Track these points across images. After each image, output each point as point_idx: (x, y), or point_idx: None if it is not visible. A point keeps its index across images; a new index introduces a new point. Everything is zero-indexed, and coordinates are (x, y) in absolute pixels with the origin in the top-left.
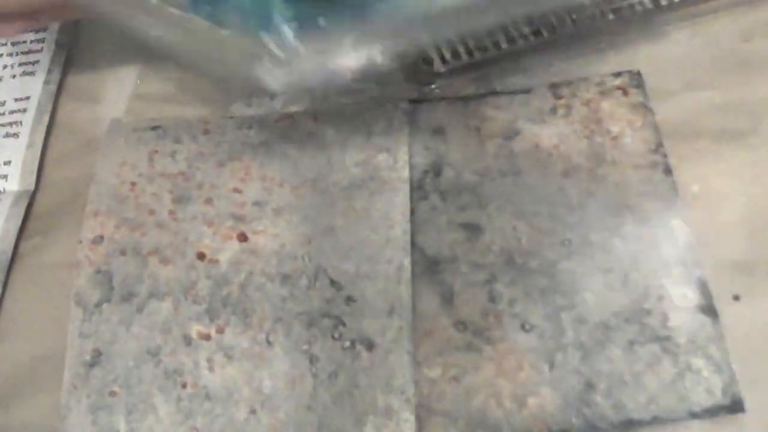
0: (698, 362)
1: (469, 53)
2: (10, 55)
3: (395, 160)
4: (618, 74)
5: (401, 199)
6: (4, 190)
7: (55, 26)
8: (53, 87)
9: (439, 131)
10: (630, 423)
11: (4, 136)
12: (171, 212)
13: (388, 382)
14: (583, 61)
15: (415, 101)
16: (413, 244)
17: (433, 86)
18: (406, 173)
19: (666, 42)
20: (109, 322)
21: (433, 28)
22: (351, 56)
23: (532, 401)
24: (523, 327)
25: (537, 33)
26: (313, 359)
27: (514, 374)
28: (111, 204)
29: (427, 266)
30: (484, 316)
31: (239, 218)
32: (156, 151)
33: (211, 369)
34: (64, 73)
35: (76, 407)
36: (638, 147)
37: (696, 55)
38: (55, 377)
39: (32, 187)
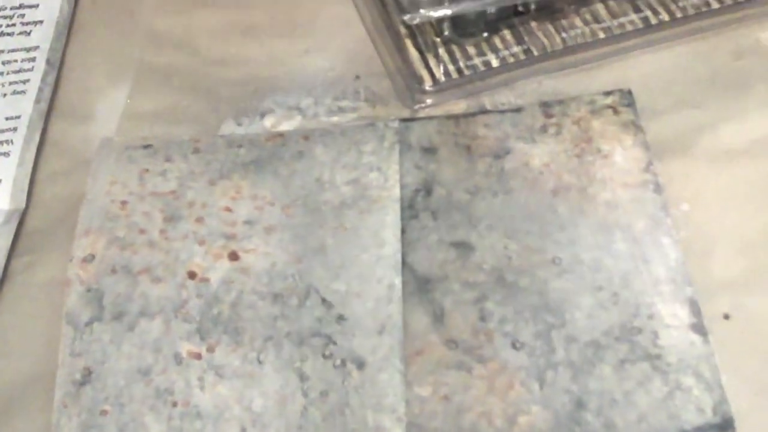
0: (689, 381)
1: (460, 72)
2: (1, 74)
3: (386, 178)
4: (609, 93)
5: (392, 217)
6: None
7: (46, 45)
8: (44, 105)
9: (429, 150)
10: None
11: None
12: (162, 231)
13: (379, 400)
14: (574, 79)
15: (405, 120)
16: (404, 262)
17: (423, 105)
18: (396, 192)
19: (657, 61)
20: (99, 341)
21: None
22: None
23: (522, 420)
24: (513, 345)
25: (528, 51)
26: (303, 378)
27: (504, 392)
28: (102, 223)
29: (418, 285)
30: (474, 335)
31: (230, 237)
32: (147, 170)
33: (201, 388)
34: (55, 92)
35: (67, 426)
36: (629, 166)
37: (687, 74)
38: (46, 396)
39: (23, 205)
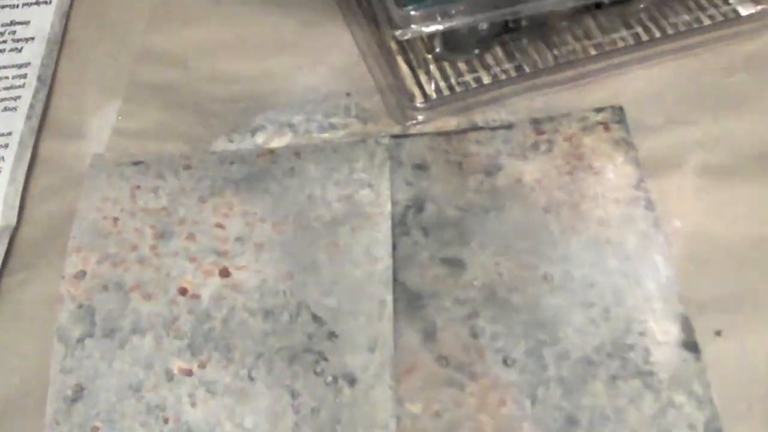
0: (680, 398)
1: (451, 89)
2: None
3: (377, 195)
4: (600, 110)
5: (383, 234)
6: None
7: (37, 62)
8: (35, 122)
9: (421, 166)
10: None
11: None
12: (153, 248)
13: (371, 417)
14: (565, 96)
15: (396, 137)
16: (395, 279)
17: (415, 122)
18: (388, 209)
19: (648, 77)
20: (91, 358)
21: None
22: None
23: None
24: (505, 362)
25: (519, 68)
26: (295, 395)
27: (496, 409)
28: (93, 239)
29: (409, 302)
30: (466, 352)
31: (221, 254)
32: (138, 187)
33: (193, 404)
34: (46, 109)
35: None
36: (620, 182)
37: (678, 91)
38: (37, 412)
39: (14, 222)
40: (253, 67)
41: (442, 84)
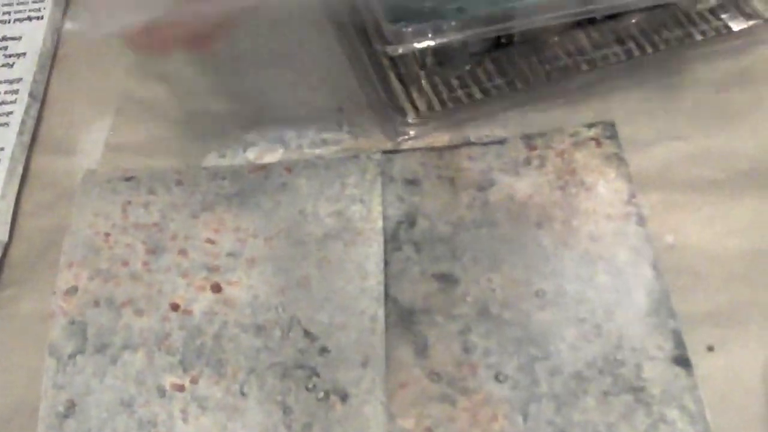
0: (672, 413)
1: (443, 104)
2: None
3: (369, 211)
4: (592, 125)
5: (375, 249)
6: None
7: (29, 77)
8: (27, 138)
9: (412, 182)
10: None
11: None
12: (145, 263)
13: None
14: (557, 112)
15: (388, 152)
16: (387, 295)
17: (407, 137)
18: (379, 224)
19: (640, 92)
20: (83, 374)
21: None
22: None
23: None
24: (497, 378)
25: (511, 83)
26: (286, 410)
27: (488, 425)
28: (85, 255)
29: (401, 317)
30: (458, 367)
31: (213, 269)
32: (130, 202)
33: (185, 420)
34: (38, 125)
35: None
36: (612, 198)
37: (670, 106)
38: (28, 428)
39: (6, 238)
40: (244, 82)
41: (434, 99)
